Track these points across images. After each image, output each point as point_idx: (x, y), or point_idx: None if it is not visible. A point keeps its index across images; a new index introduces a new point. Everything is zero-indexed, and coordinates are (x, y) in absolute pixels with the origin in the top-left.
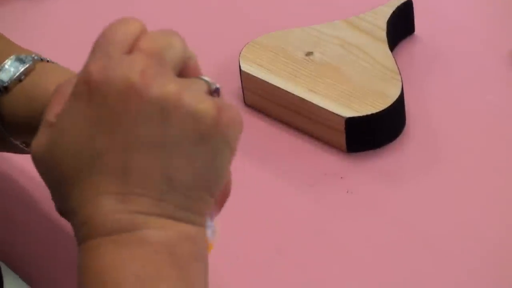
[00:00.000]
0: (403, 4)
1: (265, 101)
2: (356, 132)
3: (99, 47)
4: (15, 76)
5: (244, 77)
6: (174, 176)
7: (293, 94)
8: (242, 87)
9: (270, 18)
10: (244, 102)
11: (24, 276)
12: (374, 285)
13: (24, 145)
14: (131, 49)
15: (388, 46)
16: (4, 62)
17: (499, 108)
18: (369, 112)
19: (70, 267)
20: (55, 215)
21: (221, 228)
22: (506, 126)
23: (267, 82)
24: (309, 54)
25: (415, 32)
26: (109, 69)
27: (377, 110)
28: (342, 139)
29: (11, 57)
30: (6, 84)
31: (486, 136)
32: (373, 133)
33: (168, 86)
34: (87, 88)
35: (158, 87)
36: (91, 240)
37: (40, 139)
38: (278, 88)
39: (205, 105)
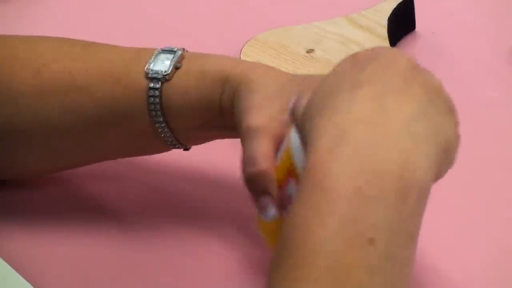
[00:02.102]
0: (404, 1)
1: None
2: None
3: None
4: (173, 64)
5: None
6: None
7: None
8: None
9: (271, 15)
10: None
11: (26, 275)
12: None
13: (172, 141)
14: None
15: (389, 43)
16: (152, 54)
17: (499, 104)
18: None
19: (74, 266)
20: (59, 212)
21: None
22: (506, 122)
23: None
24: (310, 51)
25: (416, 29)
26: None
27: None
28: None
29: (156, 50)
30: (167, 72)
31: (486, 132)
32: None
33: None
34: (353, 58)
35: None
36: None
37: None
38: None
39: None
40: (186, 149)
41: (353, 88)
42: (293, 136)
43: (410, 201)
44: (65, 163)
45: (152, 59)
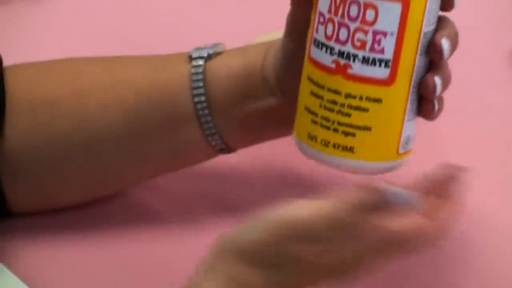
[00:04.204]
0: None
1: None
2: None
3: None
4: (215, 49)
5: None
6: None
7: None
8: None
9: (271, 17)
10: None
11: (27, 279)
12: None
13: (211, 131)
14: None
15: None
16: (192, 48)
17: (499, 107)
18: None
19: (74, 270)
20: (59, 216)
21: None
22: (507, 126)
23: None
24: None
25: None
26: None
27: None
28: None
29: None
30: (211, 53)
31: (486, 136)
32: None
33: None
34: None
35: None
36: None
37: None
38: None
39: None
40: (229, 151)
41: None
42: None
43: None
44: (103, 181)
45: (194, 50)
